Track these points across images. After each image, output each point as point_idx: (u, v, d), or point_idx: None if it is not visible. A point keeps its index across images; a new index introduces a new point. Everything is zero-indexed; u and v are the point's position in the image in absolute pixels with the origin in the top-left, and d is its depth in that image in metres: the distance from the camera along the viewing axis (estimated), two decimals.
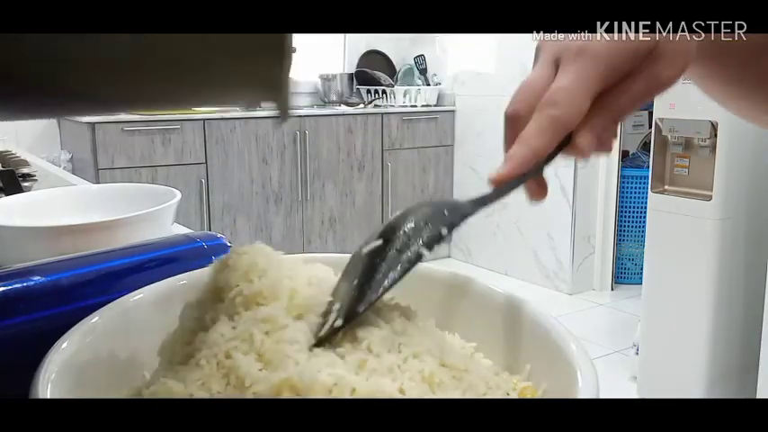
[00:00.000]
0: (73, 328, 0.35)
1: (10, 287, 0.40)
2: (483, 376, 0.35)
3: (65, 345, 0.34)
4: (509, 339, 0.40)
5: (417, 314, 0.41)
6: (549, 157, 0.40)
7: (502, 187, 0.39)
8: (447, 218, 0.37)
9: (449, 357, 0.35)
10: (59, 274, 0.42)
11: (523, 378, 0.37)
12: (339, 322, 0.35)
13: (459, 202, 0.39)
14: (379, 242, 0.36)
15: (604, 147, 0.41)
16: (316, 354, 0.33)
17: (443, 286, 0.44)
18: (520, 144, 0.39)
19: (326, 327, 0.35)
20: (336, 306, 0.36)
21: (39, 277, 0.41)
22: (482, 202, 0.39)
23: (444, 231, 0.36)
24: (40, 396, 0.30)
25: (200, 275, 0.42)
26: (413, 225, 0.36)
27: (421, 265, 0.43)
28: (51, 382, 0.31)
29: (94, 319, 0.37)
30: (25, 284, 0.40)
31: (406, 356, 0.33)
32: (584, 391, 0.31)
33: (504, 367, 0.38)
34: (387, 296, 0.41)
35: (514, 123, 0.41)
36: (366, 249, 0.37)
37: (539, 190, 0.42)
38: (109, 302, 0.39)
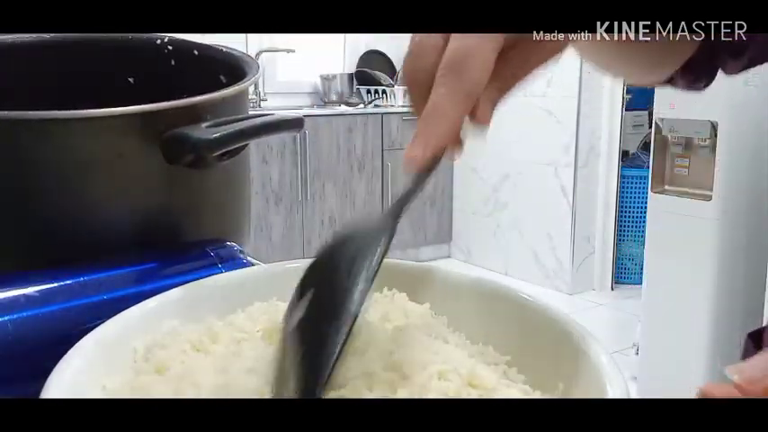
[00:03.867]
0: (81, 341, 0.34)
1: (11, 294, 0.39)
2: (509, 395, 0.34)
3: (77, 352, 0.33)
4: (542, 353, 0.38)
5: (447, 329, 0.40)
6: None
7: (422, 173, 0.35)
8: (363, 271, 0.32)
9: (477, 377, 0.33)
10: (58, 280, 0.41)
11: (555, 397, 0.35)
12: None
13: (373, 232, 0.33)
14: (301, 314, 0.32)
15: (484, 119, 0.37)
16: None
17: (475, 294, 0.42)
18: (436, 116, 0.35)
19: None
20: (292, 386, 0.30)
21: (41, 283, 0.40)
22: (397, 212, 0.34)
23: (367, 286, 0.31)
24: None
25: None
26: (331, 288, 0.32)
27: (451, 273, 0.43)
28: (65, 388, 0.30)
29: (104, 328, 0.35)
30: (30, 289, 0.39)
31: (430, 374, 0.32)
32: None
33: (537, 382, 0.36)
34: (417, 310, 0.40)
35: (416, 81, 0.38)
36: (290, 328, 0.32)
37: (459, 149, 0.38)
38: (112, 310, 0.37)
